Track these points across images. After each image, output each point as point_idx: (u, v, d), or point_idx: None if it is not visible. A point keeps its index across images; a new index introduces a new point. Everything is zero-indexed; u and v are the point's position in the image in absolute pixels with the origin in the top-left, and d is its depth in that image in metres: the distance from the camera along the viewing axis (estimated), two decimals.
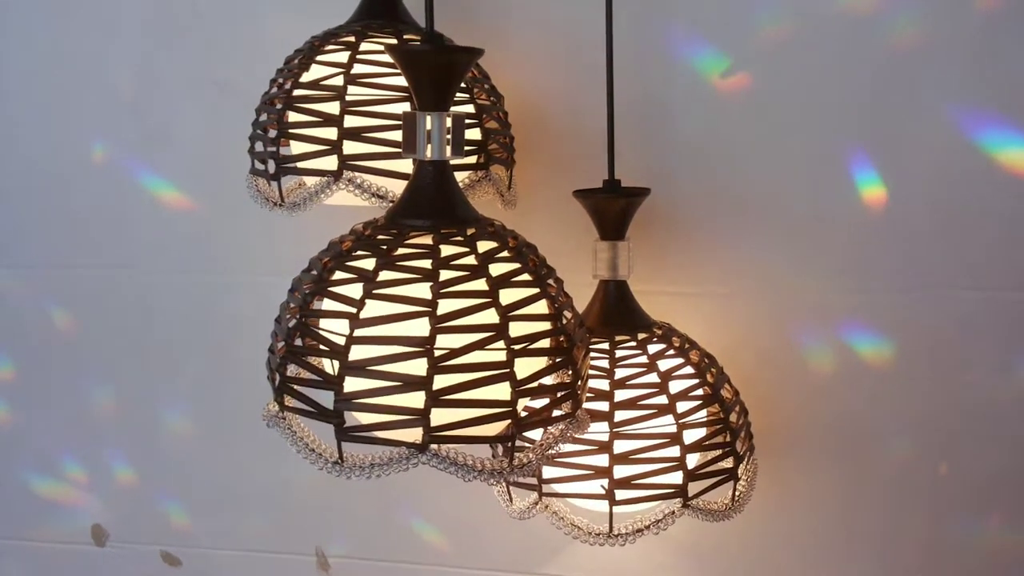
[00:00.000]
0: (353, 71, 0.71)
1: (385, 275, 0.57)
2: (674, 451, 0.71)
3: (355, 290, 0.57)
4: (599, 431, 0.71)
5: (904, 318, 0.89)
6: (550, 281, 0.62)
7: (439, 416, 0.55)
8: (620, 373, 0.74)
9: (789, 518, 0.94)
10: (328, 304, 0.58)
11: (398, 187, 0.70)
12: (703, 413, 0.74)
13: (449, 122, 0.61)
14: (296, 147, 0.72)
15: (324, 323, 0.58)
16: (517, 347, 0.57)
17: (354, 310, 0.56)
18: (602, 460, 0.71)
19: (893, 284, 0.88)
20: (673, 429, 0.72)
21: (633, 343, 0.76)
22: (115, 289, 1.09)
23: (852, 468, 0.93)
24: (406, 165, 0.70)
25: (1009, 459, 0.90)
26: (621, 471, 0.71)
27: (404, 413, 0.55)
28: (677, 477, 0.72)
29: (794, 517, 0.93)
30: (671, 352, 0.76)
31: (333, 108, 0.70)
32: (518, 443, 0.58)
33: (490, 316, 0.57)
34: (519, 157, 0.84)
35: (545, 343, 0.59)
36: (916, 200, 0.88)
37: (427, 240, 0.59)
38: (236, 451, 1.09)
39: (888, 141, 0.88)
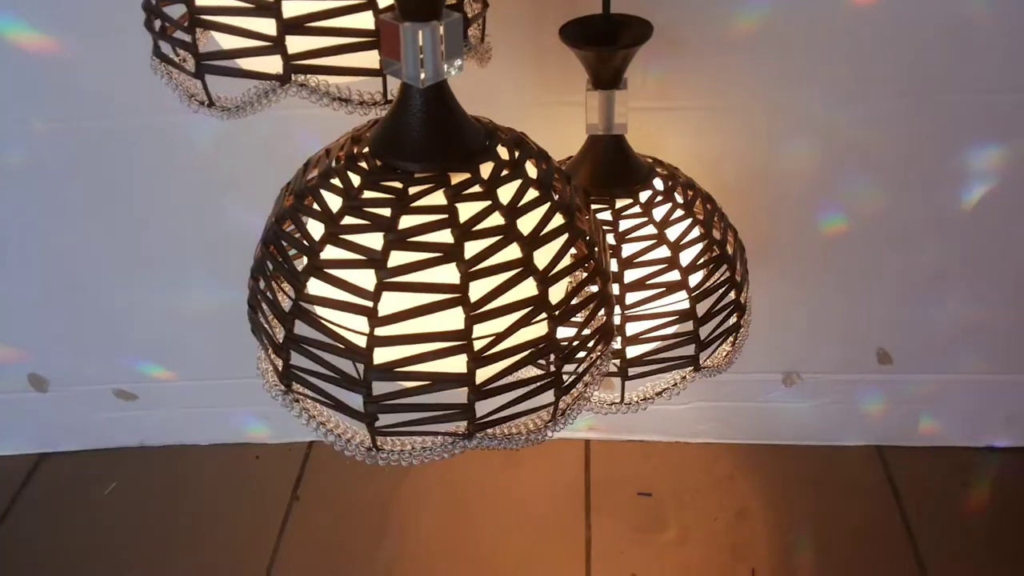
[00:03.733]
0: None
1: (397, 257, 0.47)
2: (687, 326, 0.69)
3: (365, 278, 0.48)
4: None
5: (899, 124, 0.84)
6: (578, 210, 0.54)
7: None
8: (628, 249, 0.68)
9: (761, 315, 0.96)
10: (329, 291, 0.49)
11: (367, 85, 0.56)
12: (714, 277, 0.71)
13: (442, 30, 0.47)
14: (222, 39, 0.55)
15: (328, 313, 0.49)
16: (558, 313, 0.50)
17: (370, 304, 0.47)
18: (614, 341, 0.68)
19: (889, 91, 0.82)
20: (686, 305, 0.68)
21: (637, 208, 0.69)
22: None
23: (824, 265, 0.94)
24: (372, 56, 0.55)
25: (971, 249, 0.92)
26: (634, 351, 0.69)
27: (445, 409, 0.49)
28: (690, 349, 0.70)
29: (767, 314, 0.96)
30: (678, 213, 0.70)
31: None
32: None
33: (528, 288, 0.49)
34: None
35: (585, 292, 0.53)
36: (912, 4, 0.78)
37: (438, 199, 0.48)
38: (163, 286, 1.01)
39: None
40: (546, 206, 0.51)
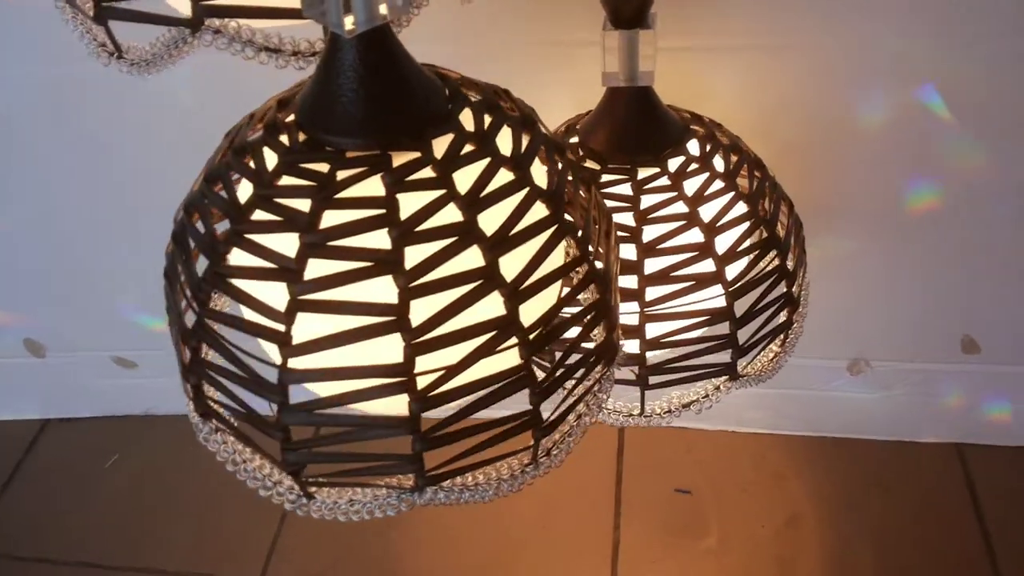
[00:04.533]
0: None
1: (316, 267, 0.36)
2: (722, 327, 0.56)
3: (276, 293, 0.36)
4: (627, 311, 0.55)
5: (1008, 70, 0.67)
6: (571, 196, 0.41)
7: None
8: (650, 232, 0.55)
9: (825, 293, 0.82)
10: (237, 308, 0.38)
11: (306, 30, 0.44)
12: (759, 266, 0.58)
13: None
14: None
15: (236, 335, 0.38)
16: (533, 336, 0.38)
17: (281, 327, 0.36)
18: (631, 345, 0.56)
19: (999, 26, 0.65)
20: (721, 303, 0.55)
21: (665, 179, 0.56)
22: None
23: (904, 237, 0.79)
24: None
25: None
26: (656, 355, 0.57)
27: (384, 459, 0.38)
28: (725, 355, 0.57)
29: (832, 293, 0.82)
30: (716, 186, 0.57)
31: None
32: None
33: (492, 306, 0.37)
34: None
35: (577, 304, 0.41)
36: None
37: (374, 187, 0.37)
38: (156, 249, 0.92)
39: None
40: (522, 194, 0.39)
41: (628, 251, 0.55)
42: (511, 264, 0.37)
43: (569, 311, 0.42)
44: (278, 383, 0.37)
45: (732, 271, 0.56)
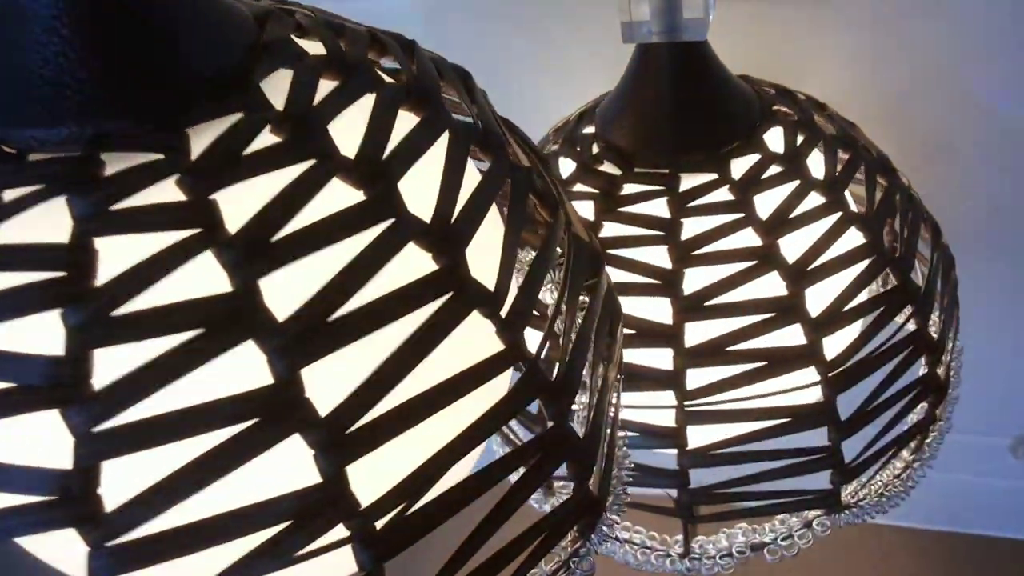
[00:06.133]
0: None
1: None
2: (818, 435, 0.35)
3: None
4: (658, 403, 0.35)
5: None
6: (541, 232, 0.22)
7: None
8: (697, 278, 0.34)
9: (986, 335, 0.58)
10: None
11: None
12: (882, 334, 0.36)
13: None
14: None
15: None
16: (384, 526, 0.19)
17: None
18: (667, 459, 0.35)
19: None
20: (816, 394, 0.34)
21: (725, 191, 0.35)
22: None
23: None
24: None
25: None
26: (704, 475, 0.36)
27: None
28: (822, 478, 0.36)
29: (994, 333, 0.58)
30: (812, 202, 0.35)
31: None
32: None
33: (304, 470, 0.18)
34: None
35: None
36: None
37: (57, 226, 0.18)
38: None
39: None
40: (361, 245, 0.19)
41: (661, 308, 0.34)
42: (329, 386, 0.18)
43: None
44: None
45: (835, 343, 0.34)
